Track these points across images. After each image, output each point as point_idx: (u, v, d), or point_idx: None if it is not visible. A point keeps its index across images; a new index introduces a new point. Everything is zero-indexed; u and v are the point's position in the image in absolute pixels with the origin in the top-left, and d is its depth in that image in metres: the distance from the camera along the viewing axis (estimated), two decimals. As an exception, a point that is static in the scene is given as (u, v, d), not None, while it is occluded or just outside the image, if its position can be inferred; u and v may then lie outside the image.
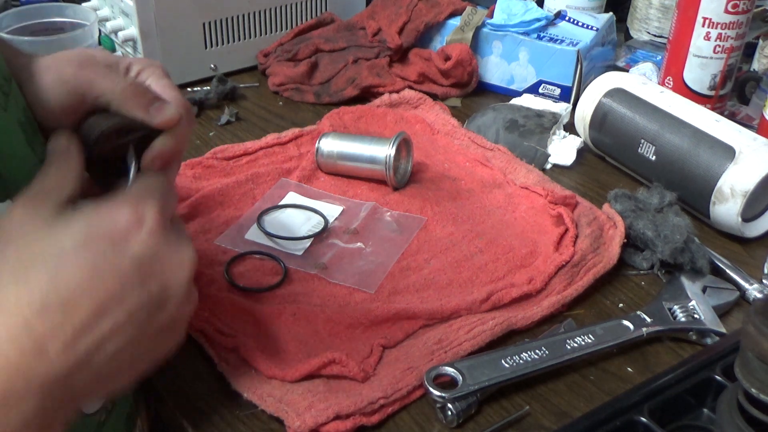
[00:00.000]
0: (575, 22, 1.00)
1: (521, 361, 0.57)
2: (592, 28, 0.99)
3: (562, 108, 0.91)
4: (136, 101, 0.53)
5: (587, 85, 0.88)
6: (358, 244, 0.71)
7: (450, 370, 0.56)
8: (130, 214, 0.44)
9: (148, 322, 0.43)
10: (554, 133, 0.87)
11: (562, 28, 1.00)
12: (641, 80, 0.85)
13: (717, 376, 0.55)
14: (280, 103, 0.98)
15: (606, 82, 0.85)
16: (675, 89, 0.90)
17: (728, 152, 0.73)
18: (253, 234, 0.72)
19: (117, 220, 0.43)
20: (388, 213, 0.76)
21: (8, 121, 0.48)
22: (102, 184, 0.51)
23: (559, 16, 1.02)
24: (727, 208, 0.73)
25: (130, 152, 0.52)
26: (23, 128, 0.50)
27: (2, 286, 0.40)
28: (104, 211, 0.44)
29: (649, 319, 0.63)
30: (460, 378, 0.55)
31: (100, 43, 0.96)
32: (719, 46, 0.87)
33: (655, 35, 1.11)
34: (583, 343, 0.60)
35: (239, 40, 1.02)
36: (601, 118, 0.84)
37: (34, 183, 0.45)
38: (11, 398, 0.38)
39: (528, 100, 0.94)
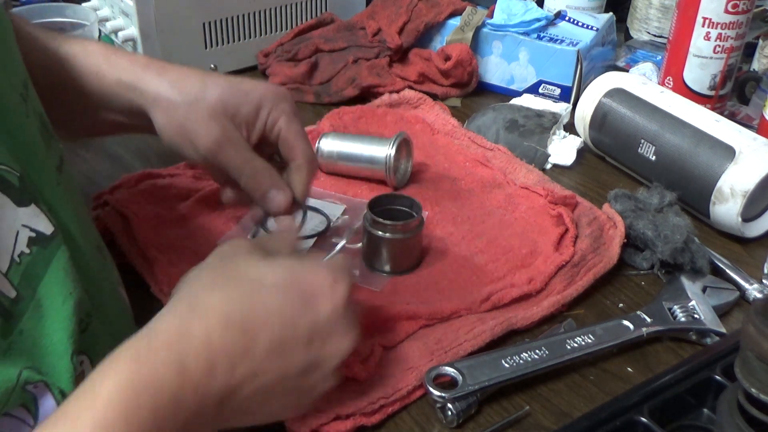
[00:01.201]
0: (575, 22, 1.00)
1: (521, 361, 0.57)
2: (592, 28, 0.99)
3: (562, 108, 0.91)
4: (254, 192, 0.63)
5: (587, 85, 0.88)
6: (360, 243, 0.71)
7: (450, 370, 0.56)
8: (328, 280, 0.49)
9: (294, 378, 0.47)
10: (554, 133, 0.87)
11: (562, 28, 1.00)
12: (641, 80, 0.85)
13: (717, 376, 0.55)
14: (280, 103, 0.98)
15: (606, 82, 0.85)
16: (675, 89, 0.90)
17: (728, 152, 0.73)
18: (255, 234, 0.72)
19: (315, 280, 0.49)
20: (388, 213, 0.76)
21: (29, 127, 0.48)
22: None
23: (559, 16, 1.02)
24: (727, 208, 0.73)
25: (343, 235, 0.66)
26: (41, 133, 0.50)
27: (203, 288, 0.47)
28: (308, 267, 0.50)
29: (649, 319, 0.63)
30: (460, 378, 0.55)
31: (100, 43, 0.96)
32: (719, 46, 0.87)
33: (655, 35, 1.11)
34: (583, 343, 0.60)
35: (239, 40, 1.02)
36: (601, 118, 0.84)
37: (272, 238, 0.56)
38: (179, 399, 0.41)
39: (528, 100, 0.94)
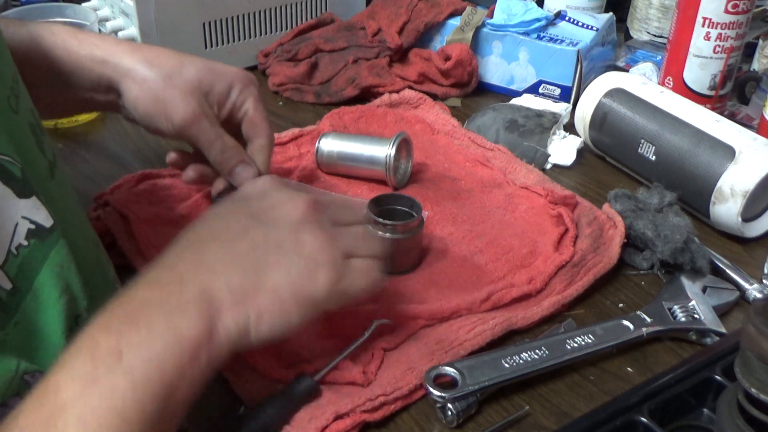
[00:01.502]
0: (575, 22, 1.00)
1: (521, 361, 0.57)
2: (592, 28, 0.99)
3: (562, 108, 0.91)
4: (223, 165, 0.67)
5: (587, 85, 0.88)
6: (358, 244, 0.71)
7: (450, 370, 0.56)
8: (249, 184, 0.57)
9: (264, 244, 0.51)
10: (554, 133, 0.87)
11: (562, 28, 1.00)
12: (641, 80, 0.85)
13: (717, 376, 0.55)
14: (280, 103, 0.98)
15: (606, 82, 0.85)
16: (675, 89, 0.90)
17: (728, 152, 0.73)
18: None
19: (239, 191, 0.58)
20: (388, 213, 0.76)
21: (20, 123, 0.48)
22: None
23: (559, 16, 1.02)
24: (727, 208, 0.73)
25: None
26: (32, 130, 0.50)
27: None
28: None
29: (649, 319, 0.63)
30: (460, 378, 0.55)
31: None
32: (719, 46, 0.87)
33: (655, 35, 1.11)
34: (583, 343, 0.60)
35: (239, 40, 1.02)
36: (601, 118, 0.84)
37: None
38: (153, 302, 0.45)
39: (528, 100, 0.94)
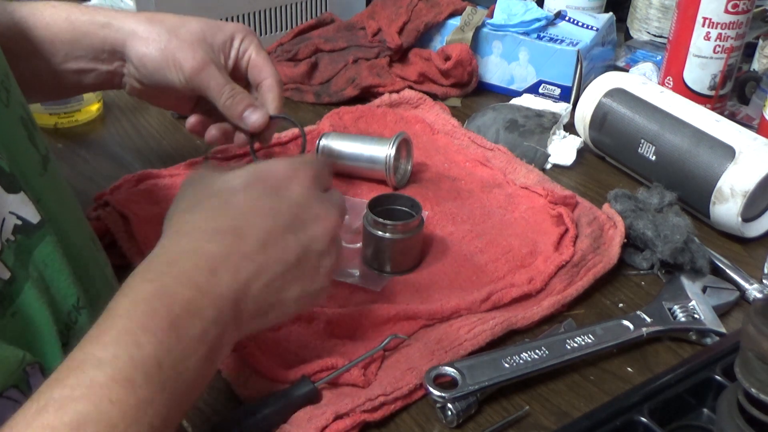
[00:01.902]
0: (575, 22, 1.00)
1: (521, 361, 0.57)
2: (592, 28, 0.99)
3: (562, 108, 0.91)
4: (233, 110, 0.68)
5: (587, 85, 0.88)
6: (360, 243, 0.71)
7: (450, 370, 0.56)
8: (287, 168, 0.54)
9: (294, 267, 0.51)
10: (554, 133, 0.87)
11: (562, 28, 1.00)
12: (641, 80, 0.85)
13: (717, 376, 0.55)
14: (280, 103, 0.98)
15: (606, 82, 0.85)
16: (675, 89, 0.90)
17: (728, 152, 0.73)
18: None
19: (276, 170, 0.53)
20: (388, 213, 0.76)
21: (10, 116, 0.48)
22: None
23: (559, 16, 1.02)
24: (727, 208, 0.73)
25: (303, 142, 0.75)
26: (24, 124, 0.50)
27: (183, 213, 0.51)
28: (268, 163, 0.55)
29: (649, 319, 0.63)
30: (460, 378, 0.55)
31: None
32: (719, 46, 0.87)
33: (655, 35, 1.11)
34: (583, 343, 0.60)
35: (239, 40, 1.02)
36: (601, 118, 0.84)
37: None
38: (193, 307, 0.44)
39: (528, 100, 0.94)
